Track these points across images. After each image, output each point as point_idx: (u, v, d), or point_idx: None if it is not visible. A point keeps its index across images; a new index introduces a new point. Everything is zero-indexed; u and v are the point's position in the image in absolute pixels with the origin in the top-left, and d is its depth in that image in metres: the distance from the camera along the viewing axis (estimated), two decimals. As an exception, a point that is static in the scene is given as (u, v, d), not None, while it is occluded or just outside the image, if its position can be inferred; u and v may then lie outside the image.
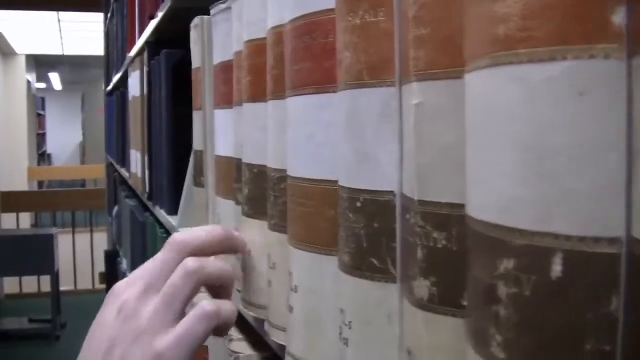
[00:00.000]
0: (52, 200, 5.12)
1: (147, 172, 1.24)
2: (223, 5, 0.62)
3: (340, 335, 0.33)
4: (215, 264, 0.46)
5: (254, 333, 0.70)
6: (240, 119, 0.56)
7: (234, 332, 0.68)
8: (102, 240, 5.16)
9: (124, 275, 2.40)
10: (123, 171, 2.12)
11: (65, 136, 11.88)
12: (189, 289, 0.44)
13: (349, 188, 0.31)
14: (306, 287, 0.37)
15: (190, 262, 0.44)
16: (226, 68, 0.62)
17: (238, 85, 0.56)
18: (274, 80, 0.43)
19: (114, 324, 0.43)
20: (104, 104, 3.62)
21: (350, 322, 0.31)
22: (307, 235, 0.37)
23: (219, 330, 0.44)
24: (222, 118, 0.64)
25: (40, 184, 9.04)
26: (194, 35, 0.75)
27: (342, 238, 0.32)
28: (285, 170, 0.42)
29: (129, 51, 1.75)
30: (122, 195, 2.12)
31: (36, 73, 9.97)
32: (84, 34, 6.98)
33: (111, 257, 2.82)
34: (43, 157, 10.77)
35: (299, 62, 0.37)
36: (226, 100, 0.62)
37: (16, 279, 4.96)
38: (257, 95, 0.48)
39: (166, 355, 0.42)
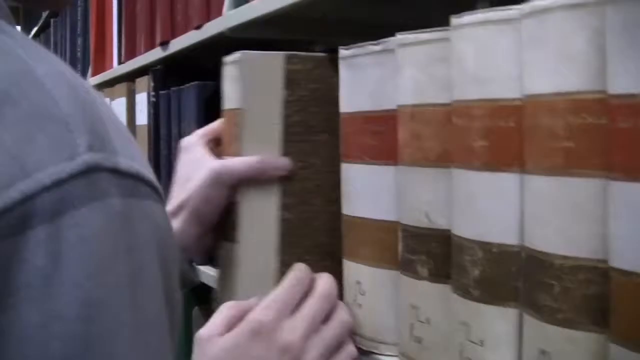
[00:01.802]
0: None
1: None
2: (377, 48, 0.55)
3: None
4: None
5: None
6: (436, 182, 0.49)
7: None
8: None
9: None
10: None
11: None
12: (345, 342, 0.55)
13: None
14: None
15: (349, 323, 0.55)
16: (379, 119, 0.55)
17: (418, 140, 0.50)
18: (563, 153, 0.38)
19: None
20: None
21: None
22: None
23: None
24: (366, 174, 0.57)
25: None
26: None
27: None
28: (585, 259, 0.37)
29: (93, 75, 1.61)
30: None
31: None
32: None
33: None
34: None
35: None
36: (376, 155, 0.55)
37: None
38: (499, 164, 0.42)
39: None
